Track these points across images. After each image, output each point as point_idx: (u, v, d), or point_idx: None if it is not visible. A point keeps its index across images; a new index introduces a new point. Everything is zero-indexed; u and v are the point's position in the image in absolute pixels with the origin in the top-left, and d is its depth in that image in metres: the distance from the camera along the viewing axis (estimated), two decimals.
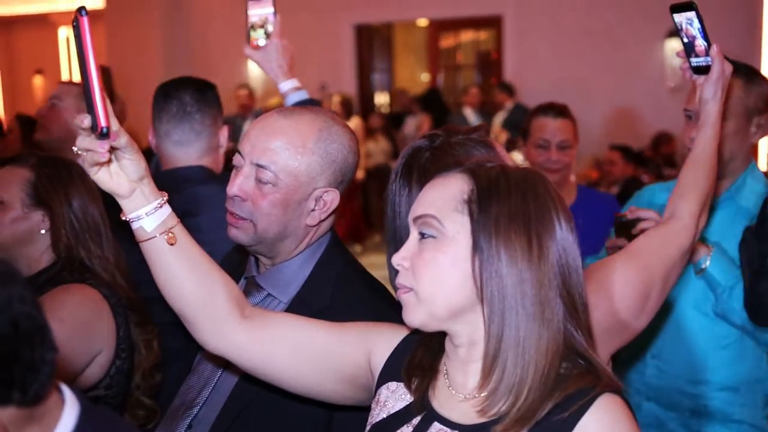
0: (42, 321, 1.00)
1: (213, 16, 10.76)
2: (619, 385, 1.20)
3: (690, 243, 1.72)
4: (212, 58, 10.20)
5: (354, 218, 9.00)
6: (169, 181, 2.29)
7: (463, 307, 1.21)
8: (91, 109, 1.21)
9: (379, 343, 1.40)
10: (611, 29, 9.44)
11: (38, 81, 12.57)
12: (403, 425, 1.28)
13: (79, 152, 1.28)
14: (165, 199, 1.37)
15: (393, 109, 11.72)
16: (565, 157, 2.95)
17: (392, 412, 1.32)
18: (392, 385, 1.35)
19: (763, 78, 2.26)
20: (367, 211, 9.80)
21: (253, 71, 10.38)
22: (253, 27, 2.40)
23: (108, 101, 1.23)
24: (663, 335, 2.31)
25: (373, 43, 11.98)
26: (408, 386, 1.32)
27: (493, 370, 1.18)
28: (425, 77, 12.68)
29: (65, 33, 12.30)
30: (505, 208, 1.19)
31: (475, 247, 1.19)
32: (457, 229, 1.21)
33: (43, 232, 2.00)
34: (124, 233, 1.59)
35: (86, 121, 1.23)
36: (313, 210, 1.65)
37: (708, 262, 2.12)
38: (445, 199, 1.23)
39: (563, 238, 1.21)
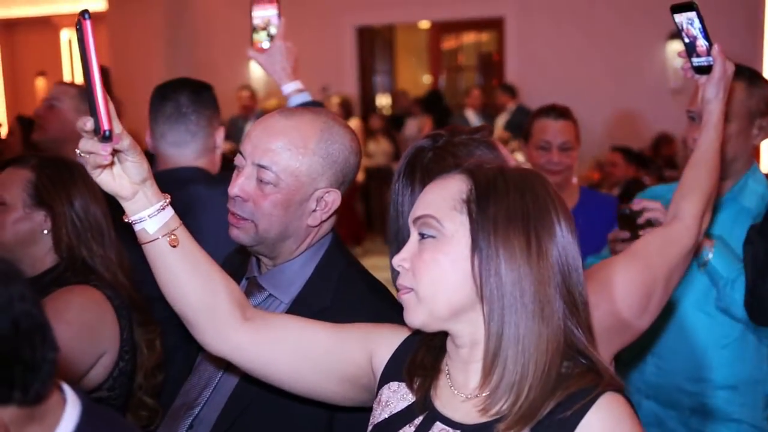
0: (43, 320, 1.00)
1: (215, 18, 10.77)
2: (621, 383, 1.20)
3: (693, 244, 1.72)
4: (214, 60, 10.21)
5: (354, 220, 8.99)
6: (163, 182, 2.29)
7: (463, 307, 1.21)
8: (93, 112, 1.21)
9: (380, 343, 1.40)
10: (613, 31, 9.44)
11: (41, 83, 12.58)
12: (405, 425, 1.28)
13: (82, 154, 1.28)
14: (168, 201, 1.38)
15: (394, 111, 11.73)
16: (567, 158, 2.95)
17: (394, 412, 1.32)
18: (394, 385, 1.35)
19: (766, 81, 2.29)
20: (368, 212, 9.80)
21: (255, 72, 10.39)
22: (255, 29, 2.41)
23: (111, 104, 1.23)
24: (663, 333, 2.32)
25: (374, 45, 11.98)
26: (410, 386, 1.32)
27: (493, 369, 1.18)
28: (427, 79, 12.68)
29: (68, 35, 12.32)
30: (504, 207, 1.19)
31: (474, 247, 1.19)
32: (456, 228, 1.21)
33: (45, 232, 2.00)
34: (126, 235, 1.59)
35: (89, 123, 1.23)
36: (314, 210, 1.65)
37: (711, 255, 2.13)
38: (444, 200, 1.23)
39: (562, 237, 1.21)
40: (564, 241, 1.21)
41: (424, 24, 12.14)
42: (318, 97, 2.66)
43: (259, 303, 1.69)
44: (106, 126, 1.21)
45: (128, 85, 7.49)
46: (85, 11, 1.20)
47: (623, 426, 1.15)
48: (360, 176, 8.70)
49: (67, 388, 1.09)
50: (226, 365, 1.66)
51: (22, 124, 4.02)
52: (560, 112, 2.98)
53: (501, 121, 9.17)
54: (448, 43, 12.39)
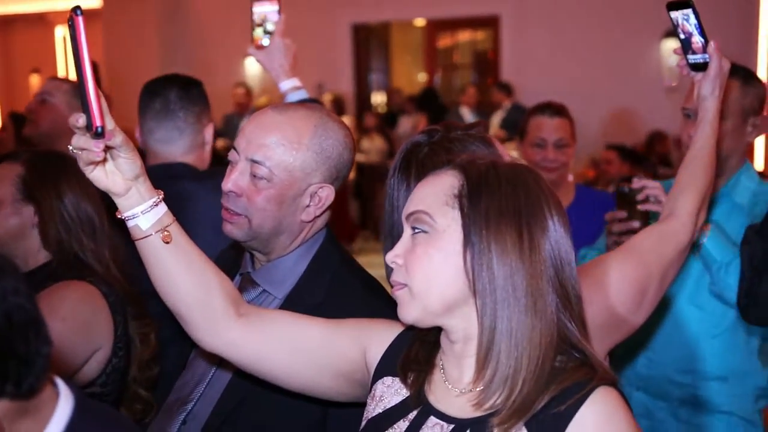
0: (36, 313, 1.00)
1: (210, 14, 10.75)
2: (614, 377, 1.20)
3: (688, 240, 1.73)
4: (209, 57, 10.19)
5: (347, 218, 8.98)
6: (150, 178, 2.28)
7: (456, 301, 1.21)
8: (86, 108, 1.21)
9: (374, 339, 1.40)
10: (608, 29, 9.46)
11: (35, 80, 12.55)
12: (399, 420, 1.28)
13: (74, 151, 1.27)
14: (161, 197, 1.37)
15: (389, 109, 11.73)
16: (562, 156, 2.95)
17: (388, 406, 1.32)
18: (388, 380, 1.35)
19: (760, 80, 2.32)
20: (362, 210, 9.80)
21: (251, 70, 10.37)
22: (255, 26, 2.40)
23: (103, 100, 1.22)
24: (653, 325, 2.33)
25: (370, 42, 11.99)
26: (404, 381, 1.32)
27: (487, 363, 1.18)
28: (422, 77, 12.69)
29: (62, 32, 12.29)
30: (495, 201, 1.20)
31: (466, 241, 1.19)
32: (448, 223, 1.21)
33: (34, 227, 1.99)
34: (119, 231, 1.58)
35: (81, 120, 1.22)
36: (308, 206, 1.65)
37: (705, 238, 2.14)
38: (436, 195, 1.24)
39: (555, 231, 1.21)
40: (556, 235, 1.21)
41: (420, 22, 12.15)
42: (313, 95, 2.66)
43: (253, 299, 1.69)
44: (98, 122, 1.20)
45: (122, 82, 7.48)
46: (77, 8, 1.20)
47: (617, 419, 1.15)
48: (352, 174, 8.68)
49: (60, 383, 1.09)
50: (219, 361, 1.66)
51: (14, 120, 4.01)
52: (556, 109, 2.98)
53: (496, 119, 9.18)
54: (444, 41, 12.40)
